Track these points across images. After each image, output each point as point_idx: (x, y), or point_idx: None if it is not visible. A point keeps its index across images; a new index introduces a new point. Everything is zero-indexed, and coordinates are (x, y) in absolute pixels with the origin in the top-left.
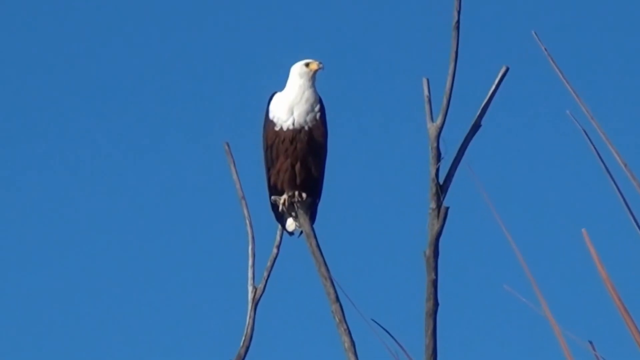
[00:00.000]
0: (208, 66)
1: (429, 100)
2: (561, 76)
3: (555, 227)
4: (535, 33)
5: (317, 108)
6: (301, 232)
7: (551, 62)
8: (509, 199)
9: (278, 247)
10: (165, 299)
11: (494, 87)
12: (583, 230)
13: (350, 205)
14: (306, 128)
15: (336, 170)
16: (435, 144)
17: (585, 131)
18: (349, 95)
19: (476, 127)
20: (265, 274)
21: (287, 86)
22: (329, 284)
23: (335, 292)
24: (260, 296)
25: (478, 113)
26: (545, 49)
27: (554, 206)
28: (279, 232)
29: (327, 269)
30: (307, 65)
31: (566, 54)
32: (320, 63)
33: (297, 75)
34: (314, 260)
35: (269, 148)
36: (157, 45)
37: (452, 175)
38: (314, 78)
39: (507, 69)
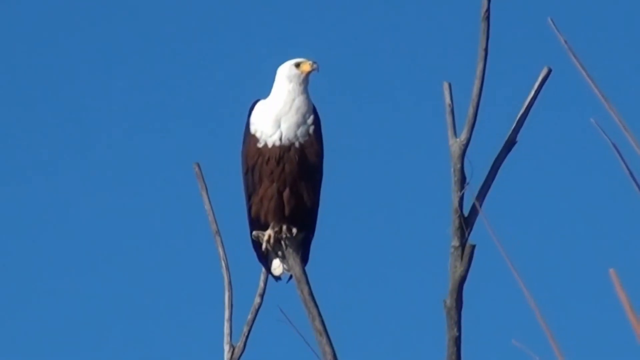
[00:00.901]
0: (173, 64)
1: (452, 110)
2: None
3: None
4: (551, 20)
5: (310, 119)
6: (290, 277)
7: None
8: (548, 232)
9: (261, 296)
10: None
11: (532, 93)
12: (611, 270)
13: (352, 242)
14: (297, 145)
15: (334, 197)
16: (459, 165)
17: None
18: (351, 103)
19: (510, 143)
20: (245, 330)
21: (273, 92)
22: (324, 340)
23: (333, 350)
24: (239, 357)
25: (513, 126)
26: (565, 41)
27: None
28: (262, 277)
29: (323, 323)
30: (297, 65)
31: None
32: (313, 63)
33: (285, 78)
34: (306, 311)
35: (250, 170)
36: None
37: (480, 205)
38: (306, 82)
39: (550, 71)
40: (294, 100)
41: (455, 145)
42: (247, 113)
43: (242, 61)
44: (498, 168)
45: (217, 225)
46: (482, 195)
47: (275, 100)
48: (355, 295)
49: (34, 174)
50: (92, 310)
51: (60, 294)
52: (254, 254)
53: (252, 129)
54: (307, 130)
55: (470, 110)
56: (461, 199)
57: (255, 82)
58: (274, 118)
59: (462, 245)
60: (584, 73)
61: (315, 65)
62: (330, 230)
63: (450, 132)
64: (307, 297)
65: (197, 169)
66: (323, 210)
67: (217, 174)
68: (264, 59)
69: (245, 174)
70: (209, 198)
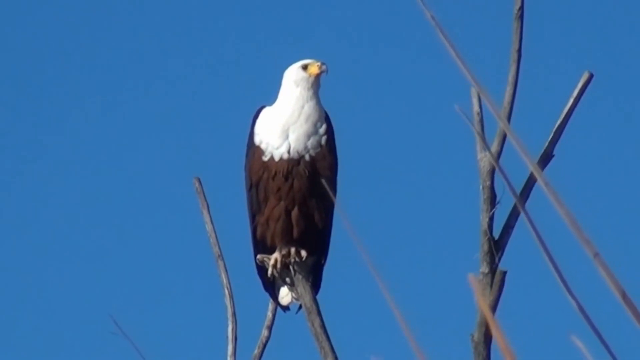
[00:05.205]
0: (171, 68)
1: (481, 120)
2: None
3: None
4: None
5: (322, 129)
6: (300, 307)
7: None
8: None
9: (270, 329)
10: None
11: (572, 101)
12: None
13: (367, 268)
14: (307, 157)
15: (349, 217)
16: (488, 182)
17: None
18: (368, 111)
19: (547, 157)
20: None
21: (280, 98)
22: None
23: None
24: None
25: (549, 138)
26: (432, 16)
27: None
28: (270, 307)
29: (337, 359)
30: (304, 67)
31: None
32: (322, 64)
33: (292, 82)
34: (317, 346)
35: (254, 186)
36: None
37: (512, 227)
38: (316, 86)
39: (591, 76)
40: (302, 107)
41: (484, 159)
42: (251, 122)
43: (246, 64)
44: (533, 185)
45: (219, 248)
46: (513, 216)
47: (282, 107)
48: (372, 328)
49: (29, 182)
50: (88, 340)
51: (56, 315)
52: (260, 281)
53: (257, 139)
54: (319, 141)
55: (502, 120)
56: (491, 219)
57: (261, 87)
58: (281, 128)
59: (492, 271)
60: (456, 59)
61: (323, 67)
62: (344, 254)
63: (479, 145)
64: (319, 329)
65: (197, 184)
66: (336, 231)
67: (220, 190)
68: (271, 59)
69: (249, 190)
70: (210, 217)
